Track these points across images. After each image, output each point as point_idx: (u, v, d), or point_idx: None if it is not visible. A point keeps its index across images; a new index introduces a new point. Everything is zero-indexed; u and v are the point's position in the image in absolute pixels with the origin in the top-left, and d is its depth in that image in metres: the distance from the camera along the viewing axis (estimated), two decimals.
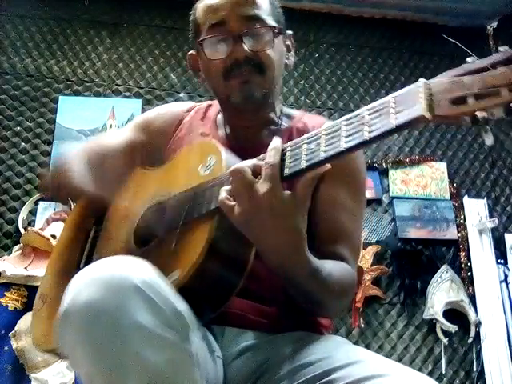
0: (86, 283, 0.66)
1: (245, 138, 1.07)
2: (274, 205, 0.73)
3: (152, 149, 1.13)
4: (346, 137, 0.70)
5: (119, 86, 3.00)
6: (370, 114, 0.71)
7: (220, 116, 1.15)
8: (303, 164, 0.72)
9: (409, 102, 0.67)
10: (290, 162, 0.74)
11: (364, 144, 0.69)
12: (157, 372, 0.64)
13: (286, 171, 0.73)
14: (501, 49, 0.61)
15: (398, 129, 0.66)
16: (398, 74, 3.26)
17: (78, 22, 3.08)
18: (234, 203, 0.75)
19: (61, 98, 2.91)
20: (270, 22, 1.04)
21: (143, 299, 0.65)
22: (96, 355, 0.64)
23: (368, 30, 3.29)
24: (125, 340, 0.63)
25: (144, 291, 0.65)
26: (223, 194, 0.76)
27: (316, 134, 0.74)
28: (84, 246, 1.06)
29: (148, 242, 0.91)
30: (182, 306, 0.70)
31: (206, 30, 1.04)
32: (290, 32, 1.17)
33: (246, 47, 1.00)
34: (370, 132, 0.68)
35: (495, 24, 3.33)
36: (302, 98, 3.12)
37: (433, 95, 0.64)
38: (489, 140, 0.62)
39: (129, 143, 1.13)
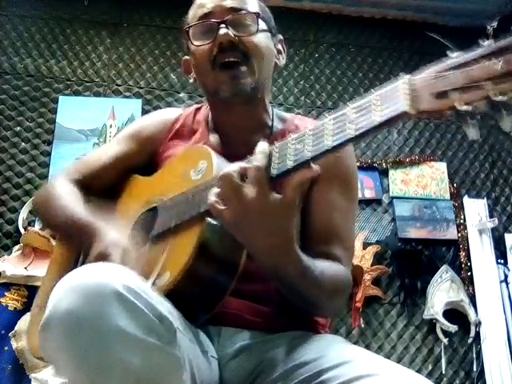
0: (65, 290, 0.66)
1: (237, 143, 1.05)
2: (263, 207, 0.73)
3: (143, 157, 1.14)
4: (333, 135, 0.71)
5: (119, 86, 3.00)
6: (355, 113, 0.72)
7: (210, 119, 1.14)
8: (290, 164, 0.73)
9: (393, 98, 0.70)
10: (278, 163, 0.74)
11: (349, 141, 0.70)
12: (142, 376, 0.64)
13: (274, 172, 0.74)
14: (484, 43, 0.62)
15: (383, 125, 0.67)
16: (397, 74, 3.23)
17: (78, 22, 3.08)
18: (223, 207, 0.75)
19: (61, 97, 2.91)
20: (255, 11, 1.06)
21: (124, 304, 0.65)
22: (79, 362, 0.64)
23: (368, 30, 3.29)
24: (107, 346, 0.63)
25: (125, 296, 0.65)
26: (212, 197, 0.76)
27: (302, 134, 0.75)
28: (76, 262, 1.04)
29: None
30: (166, 309, 0.70)
31: (192, 25, 1.07)
32: (281, 37, 1.16)
33: (230, 32, 1.00)
34: (355, 130, 0.69)
35: (495, 24, 3.32)
36: (302, 98, 3.11)
37: (416, 90, 0.67)
38: (472, 134, 0.62)
39: (119, 156, 1.14)
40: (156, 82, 3.03)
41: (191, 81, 1.14)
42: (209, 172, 0.87)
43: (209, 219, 0.81)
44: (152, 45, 3.09)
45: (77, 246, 1.04)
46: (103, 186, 1.13)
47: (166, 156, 1.10)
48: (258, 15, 1.04)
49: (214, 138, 1.11)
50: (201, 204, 0.82)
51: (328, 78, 3.19)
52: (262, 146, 0.77)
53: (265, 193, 0.73)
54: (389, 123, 0.67)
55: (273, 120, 1.13)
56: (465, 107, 0.60)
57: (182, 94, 3.01)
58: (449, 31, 3.30)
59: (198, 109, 1.19)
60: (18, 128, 2.84)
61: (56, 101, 2.90)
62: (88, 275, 0.67)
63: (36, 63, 2.97)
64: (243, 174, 0.75)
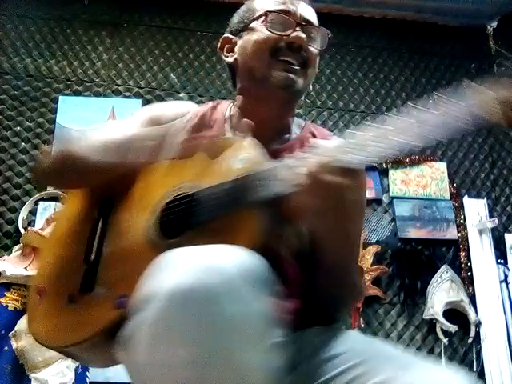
0: (198, 269, 0.64)
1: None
2: (342, 196, 0.79)
3: (160, 143, 1.08)
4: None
5: (119, 86, 3.00)
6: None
7: (235, 115, 1.10)
8: (359, 160, 0.79)
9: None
10: (356, 156, 0.79)
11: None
12: (246, 371, 0.63)
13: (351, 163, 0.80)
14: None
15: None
16: (397, 74, 3.26)
17: (78, 22, 3.08)
18: (307, 196, 0.79)
19: (61, 98, 2.91)
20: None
21: (254, 299, 0.65)
22: (195, 339, 0.61)
23: (368, 30, 3.30)
24: (231, 332, 0.62)
25: (257, 289, 0.65)
26: (295, 188, 0.81)
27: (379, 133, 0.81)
28: (91, 238, 0.99)
29: (173, 234, 0.90)
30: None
31: (267, 12, 1.06)
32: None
33: (305, 37, 1.04)
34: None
35: (495, 24, 3.33)
36: (302, 98, 3.11)
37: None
38: None
39: (139, 137, 1.08)
40: (156, 82, 3.03)
41: (229, 60, 1.11)
42: (255, 162, 0.89)
43: (267, 207, 0.85)
44: (152, 45, 3.10)
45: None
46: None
47: (183, 147, 1.05)
48: (327, 35, 1.09)
49: (231, 135, 1.08)
50: (257, 193, 0.85)
51: (328, 78, 3.19)
52: (324, 142, 0.84)
53: (345, 183, 0.78)
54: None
55: (291, 126, 1.15)
56: None
57: (182, 94, 3.01)
58: (449, 31, 3.31)
59: (214, 107, 1.16)
60: (18, 128, 2.84)
61: (56, 101, 2.91)
62: (226, 258, 0.66)
63: (36, 63, 2.97)
64: (324, 166, 0.79)
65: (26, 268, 2.29)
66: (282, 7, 1.06)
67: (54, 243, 1.07)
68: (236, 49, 1.10)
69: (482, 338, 2.72)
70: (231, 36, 1.12)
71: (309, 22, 1.07)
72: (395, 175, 3.00)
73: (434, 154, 3.09)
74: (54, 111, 2.88)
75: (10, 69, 2.94)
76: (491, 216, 2.95)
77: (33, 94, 2.91)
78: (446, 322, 2.70)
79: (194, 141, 1.06)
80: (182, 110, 1.14)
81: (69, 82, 2.97)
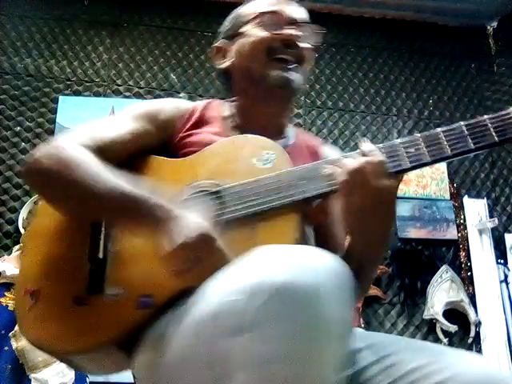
0: (302, 268, 0.64)
1: None
2: (383, 196, 0.86)
3: (157, 140, 1.06)
4: (450, 146, 0.87)
5: (119, 86, 3.00)
6: (468, 130, 0.88)
7: (234, 114, 1.11)
8: (407, 165, 0.88)
9: None
10: (392, 162, 0.88)
11: (469, 152, 0.87)
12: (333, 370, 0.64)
13: (390, 169, 0.88)
14: None
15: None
16: (398, 74, 3.26)
17: (78, 22, 3.08)
18: (350, 196, 0.86)
19: (61, 98, 2.91)
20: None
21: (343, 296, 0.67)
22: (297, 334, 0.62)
23: (368, 30, 3.30)
24: (323, 331, 0.63)
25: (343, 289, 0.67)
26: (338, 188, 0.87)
27: (411, 140, 0.90)
28: (94, 237, 0.94)
29: None
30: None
31: (259, 14, 1.08)
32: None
33: (298, 34, 1.06)
34: (474, 144, 0.86)
35: (495, 24, 3.33)
36: (302, 98, 3.12)
37: None
38: None
39: (135, 133, 1.04)
40: (156, 82, 3.03)
41: (224, 65, 1.12)
42: (281, 162, 0.94)
43: (304, 207, 0.89)
44: (152, 45, 3.10)
45: (130, 223, 0.90)
46: (113, 160, 0.99)
47: (186, 143, 1.05)
48: (320, 32, 1.11)
49: (232, 134, 1.08)
50: (294, 194, 0.89)
51: (328, 78, 3.19)
52: (370, 145, 0.90)
53: (385, 184, 0.85)
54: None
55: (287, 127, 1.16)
56: None
57: (181, 94, 3.01)
58: (449, 31, 3.31)
59: (207, 105, 1.15)
60: (18, 128, 2.84)
61: (56, 101, 2.90)
62: (322, 261, 0.67)
63: (36, 63, 2.97)
64: (364, 168, 0.86)
65: None
66: (273, 8, 1.08)
67: (40, 241, 0.98)
68: (231, 53, 1.11)
69: (481, 337, 2.72)
70: (223, 42, 1.14)
71: (301, 20, 1.09)
72: None
73: None
74: (54, 111, 2.88)
75: (10, 69, 2.94)
76: (491, 216, 2.95)
77: (33, 94, 2.91)
78: (445, 322, 2.70)
79: (198, 137, 1.05)
80: (180, 107, 1.11)
81: (69, 82, 2.97)
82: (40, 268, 0.94)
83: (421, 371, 0.79)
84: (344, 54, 3.25)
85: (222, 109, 1.13)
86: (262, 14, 1.08)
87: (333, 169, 0.90)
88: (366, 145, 0.91)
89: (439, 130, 0.89)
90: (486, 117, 0.87)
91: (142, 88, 3.01)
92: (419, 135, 0.90)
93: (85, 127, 1.02)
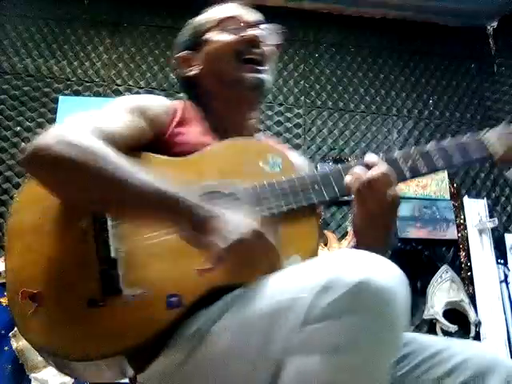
0: (396, 276, 0.73)
1: None
2: (395, 203, 0.95)
3: (149, 135, 1.04)
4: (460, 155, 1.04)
5: (119, 86, 3.00)
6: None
7: (204, 118, 1.12)
8: (424, 170, 1.00)
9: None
10: (409, 168, 0.99)
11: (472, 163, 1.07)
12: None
13: (407, 174, 0.99)
14: None
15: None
16: (398, 74, 3.26)
17: (78, 22, 3.08)
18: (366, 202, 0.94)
19: (61, 98, 2.91)
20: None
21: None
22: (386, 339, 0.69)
23: (368, 30, 3.29)
24: (397, 335, 0.71)
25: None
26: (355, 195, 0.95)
27: (425, 150, 1.01)
28: (99, 237, 0.90)
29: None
30: None
31: (218, 21, 1.13)
32: None
33: (260, 34, 1.12)
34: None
35: (495, 24, 3.33)
36: (302, 98, 3.11)
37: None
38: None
39: (131, 127, 1.01)
40: (156, 82, 3.03)
41: (192, 73, 1.15)
42: (289, 167, 1.01)
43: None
44: (152, 45, 3.09)
45: (159, 219, 0.87)
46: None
47: (176, 142, 1.04)
48: (279, 30, 1.17)
49: (213, 136, 1.10)
50: (317, 196, 0.96)
51: (328, 78, 3.19)
52: (374, 156, 0.98)
53: (393, 192, 0.94)
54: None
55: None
56: None
57: (181, 94, 3.00)
58: (449, 31, 3.31)
59: (185, 103, 1.17)
60: (18, 128, 2.84)
61: (56, 101, 2.90)
62: (396, 268, 0.75)
63: (36, 63, 2.97)
64: (377, 179, 0.94)
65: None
66: (232, 14, 1.14)
67: (29, 239, 0.91)
68: (197, 62, 1.14)
69: (481, 338, 2.72)
70: (187, 53, 1.17)
71: (259, 22, 1.15)
72: None
73: None
74: (54, 111, 2.88)
75: (10, 69, 2.94)
76: (491, 216, 2.95)
77: (33, 94, 2.91)
78: (445, 322, 2.70)
79: (187, 136, 1.06)
80: (165, 104, 1.11)
81: (69, 82, 2.97)
82: (36, 268, 0.89)
83: (438, 356, 0.89)
84: (344, 54, 3.24)
85: (196, 110, 1.14)
86: (222, 20, 1.13)
87: (345, 177, 0.96)
88: (370, 156, 0.98)
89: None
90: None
91: (141, 88, 3.01)
92: (414, 148, 1.01)
93: (81, 118, 0.97)
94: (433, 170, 1.00)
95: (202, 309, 0.85)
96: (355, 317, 0.66)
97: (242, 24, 1.12)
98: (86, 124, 0.94)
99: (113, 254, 0.89)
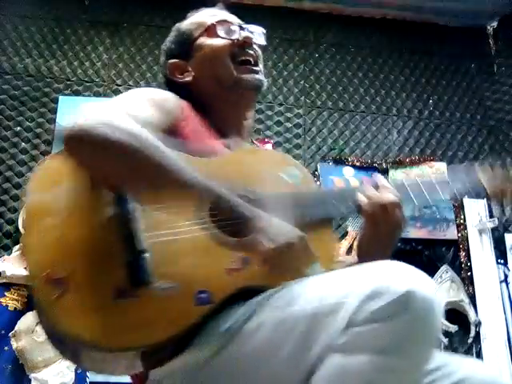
0: (425, 282, 0.75)
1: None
2: (402, 225, 1.05)
3: (164, 129, 1.00)
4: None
5: (119, 86, 3.00)
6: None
7: (204, 120, 1.11)
8: (429, 201, 1.16)
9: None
10: (415, 197, 1.15)
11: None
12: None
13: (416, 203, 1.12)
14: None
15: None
16: (398, 73, 3.26)
17: (78, 22, 3.08)
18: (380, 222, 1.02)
19: (61, 98, 2.91)
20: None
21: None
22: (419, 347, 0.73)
23: (368, 30, 3.29)
24: (432, 343, 0.76)
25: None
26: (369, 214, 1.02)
27: (429, 181, 1.15)
28: (128, 226, 0.87)
29: (231, 232, 0.92)
30: None
31: (210, 26, 1.15)
32: None
33: (251, 35, 1.15)
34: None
35: (495, 24, 3.33)
36: (302, 98, 3.11)
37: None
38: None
39: (155, 118, 0.99)
40: (156, 82, 3.03)
41: (186, 79, 1.14)
42: (306, 180, 1.08)
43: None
44: (152, 45, 3.09)
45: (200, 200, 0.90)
46: None
47: (186, 138, 1.03)
48: (265, 34, 1.20)
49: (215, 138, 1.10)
50: (334, 211, 1.03)
51: (328, 78, 3.19)
52: (384, 179, 1.09)
53: (402, 215, 1.05)
54: None
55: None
56: None
57: None
58: (449, 31, 3.31)
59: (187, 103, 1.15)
60: (18, 128, 2.84)
61: (56, 101, 2.90)
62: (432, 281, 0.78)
63: (36, 63, 2.97)
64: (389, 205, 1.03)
65: (26, 268, 2.29)
66: (220, 18, 1.17)
67: (51, 220, 0.88)
68: (190, 68, 1.15)
69: (481, 337, 2.72)
70: (177, 60, 1.17)
71: (245, 24, 1.18)
72: (395, 175, 3.00)
73: (434, 154, 3.09)
74: (54, 111, 2.88)
75: (10, 69, 2.94)
76: (491, 216, 2.95)
77: (33, 93, 2.91)
78: (445, 322, 2.70)
79: (199, 137, 1.06)
80: (177, 100, 1.09)
81: (69, 82, 2.97)
82: (60, 252, 0.86)
83: (441, 371, 0.90)
84: (344, 54, 3.25)
85: (195, 111, 1.12)
86: (213, 25, 1.15)
87: (359, 197, 1.03)
88: (380, 178, 1.09)
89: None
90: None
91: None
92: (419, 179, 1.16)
93: (110, 104, 0.95)
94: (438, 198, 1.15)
95: (231, 307, 0.86)
96: (402, 322, 0.71)
97: (232, 27, 1.15)
98: (120, 110, 0.92)
99: (142, 246, 0.86)
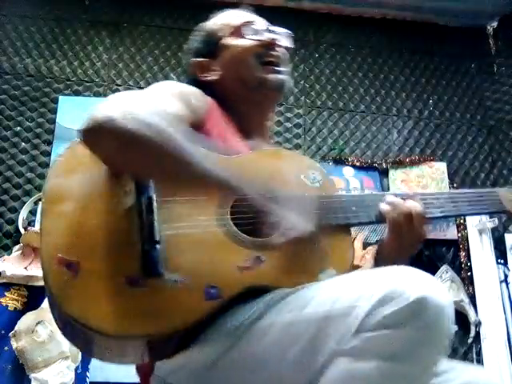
0: (438, 288, 0.75)
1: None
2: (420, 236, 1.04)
3: (188, 123, 1.00)
4: (468, 206, 1.10)
5: (119, 86, 3.00)
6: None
7: (228, 120, 1.12)
8: (438, 214, 1.06)
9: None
10: (426, 209, 1.04)
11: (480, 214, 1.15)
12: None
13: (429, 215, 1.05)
14: None
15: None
16: (398, 73, 3.26)
17: (78, 22, 3.08)
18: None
19: (61, 98, 2.91)
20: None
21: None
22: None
23: (368, 30, 3.30)
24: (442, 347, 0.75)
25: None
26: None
27: (440, 194, 1.09)
28: (144, 216, 0.88)
29: (253, 232, 0.92)
30: None
31: (237, 27, 1.16)
32: None
33: (276, 37, 1.16)
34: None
35: (495, 24, 3.33)
36: (302, 98, 3.12)
37: None
38: None
39: (181, 113, 0.99)
40: (156, 82, 3.02)
41: (211, 78, 1.15)
42: (328, 185, 1.06)
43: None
44: (152, 45, 3.10)
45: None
46: None
47: (212, 134, 1.03)
48: (292, 36, 1.21)
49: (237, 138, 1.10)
50: (354, 218, 1.02)
51: (328, 78, 3.19)
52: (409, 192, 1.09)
53: (424, 228, 1.03)
54: None
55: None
56: None
57: None
58: (449, 31, 3.31)
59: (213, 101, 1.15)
60: (18, 128, 2.84)
61: (56, 101, 2.91)
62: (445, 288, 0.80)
63: (36, 63, 2.97)
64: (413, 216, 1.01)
65: (26, 268, 2.30)
66: (246, 19, 1.18)
67: (69, 205, 0.89)
68: (215, 67, 1.16)
69: (481, 337, 2.72)
70: (203, 59, 1.18)
71: (271, 26, 1.19)
72: (395, 175, 3.00)
73: (434, 154, 3.09)
74: (54, 111, 2.88)
75: (10, 69, 2.94)
76: (491, 216, 2.95)
77: (33, 94, 2.91)
78: None
79: (223, 137, 1.06)
80: (203, 96, 1.09)
81: (69, 82, 2.97)
82: (75, 237, 0.86)
83: (444, 376, 0.90)
84: (344, 53, 3.25)
85: (221, 110, 1.12)
86: (238, 26, 1.16)
87: (382, 205, 1.02)
88: (407, 192, 1.13)
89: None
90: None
91: (141, 88, 3.00)
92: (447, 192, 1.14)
93: (137, 97, 0.95)
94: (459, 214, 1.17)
95: (240, 306, 0.86)
96: (414, 329, 0.70)
97: (258, 29, 1.16)
98: (147, 103, 0.93)
99: (157, 237, 0.87)
